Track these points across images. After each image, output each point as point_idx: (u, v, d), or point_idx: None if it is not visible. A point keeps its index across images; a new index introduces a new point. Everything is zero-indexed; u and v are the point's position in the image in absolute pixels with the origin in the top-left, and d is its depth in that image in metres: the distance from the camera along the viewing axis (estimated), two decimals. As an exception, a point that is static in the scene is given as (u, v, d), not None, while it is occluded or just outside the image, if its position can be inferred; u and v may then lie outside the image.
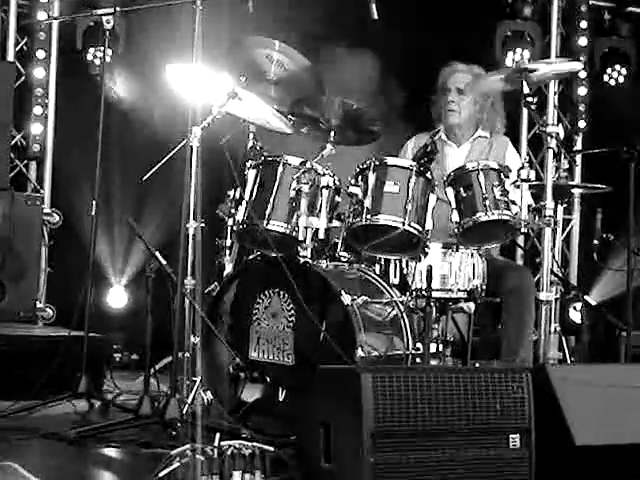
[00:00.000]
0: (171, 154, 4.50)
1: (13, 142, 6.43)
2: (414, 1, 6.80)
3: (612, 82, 7.66)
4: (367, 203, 4.38)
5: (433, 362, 4.37)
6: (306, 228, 4.43)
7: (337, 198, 4.56)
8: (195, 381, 4.26)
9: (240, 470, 3.15)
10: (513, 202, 4.40)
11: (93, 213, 4.88)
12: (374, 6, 4.90)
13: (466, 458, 3.23)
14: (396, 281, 4.54)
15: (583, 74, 7.50)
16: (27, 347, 5.28)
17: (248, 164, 4.57)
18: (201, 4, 4.34)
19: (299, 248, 4.43)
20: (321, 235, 4.47)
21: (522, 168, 4.41)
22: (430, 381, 3.22)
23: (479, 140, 5.22)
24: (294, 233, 4.42)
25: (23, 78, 6.51)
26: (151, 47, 6.01)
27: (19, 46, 6.55)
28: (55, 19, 6.46)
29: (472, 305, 4.53)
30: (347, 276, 4.50)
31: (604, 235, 6.30)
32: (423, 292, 4.37)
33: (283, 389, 4.34)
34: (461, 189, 4.44)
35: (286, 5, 5.86)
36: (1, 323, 5.66)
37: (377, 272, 4.57)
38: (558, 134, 4.46)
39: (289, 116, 4.82)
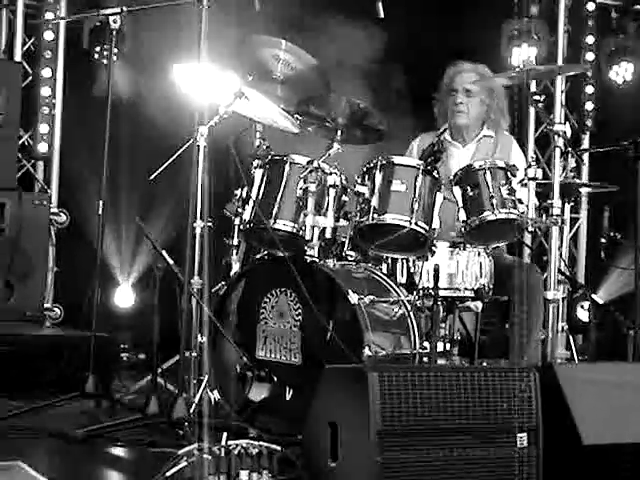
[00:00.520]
0: (178, 153, 4.50)
1: (20, 142, 6.41)
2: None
3: (619, 80, 7.64)
4: (374, 202, 4.38)
5: (440, 361, 4.36)
6: (313, 227, 4.43)
7: (344, 197, 4.56)
8: (202, 380, 4.27)
9: (247, 469, 3.16)
10: (520, 201, 4.40)
11: (100, 212, 4.89)
12: (380, 5, 4.90)
13: (474, 457, 3.23)
14: (403, 280, 4.53)
15: (590, 72, 7.49)
16: (35, 347, 5.30)
17: (255, 163, 4.57)
18: (207, 4, 4.35)
19: (306, 247, 4.43)
20: (328, 234, 4.47)
21: (529, 167, 4.41)
22: (437, 380, 3.22)
23: (484, 140, 5.20)
24: (301, 232, 4.42)
25: (30, 78, 6.50)
26: (158, 47, 6.00)
27: (26, 46, 6.54)
28: (62, 19, 6.46)
29: (479, 304, 4.52)
30: (354, 275, 4.50)
31: (611, 234, 6.29)
32: (430, 291, 4.37)
33: (290, 388, 4.34)
34: (468, 188, 4.43)
35: (293, 4, 5.85)
36: (9, 323, 5.65)
37: (384, 271, 4.56)
38: (565, 132, 4.46)
39: (296, 115, 4.83)
